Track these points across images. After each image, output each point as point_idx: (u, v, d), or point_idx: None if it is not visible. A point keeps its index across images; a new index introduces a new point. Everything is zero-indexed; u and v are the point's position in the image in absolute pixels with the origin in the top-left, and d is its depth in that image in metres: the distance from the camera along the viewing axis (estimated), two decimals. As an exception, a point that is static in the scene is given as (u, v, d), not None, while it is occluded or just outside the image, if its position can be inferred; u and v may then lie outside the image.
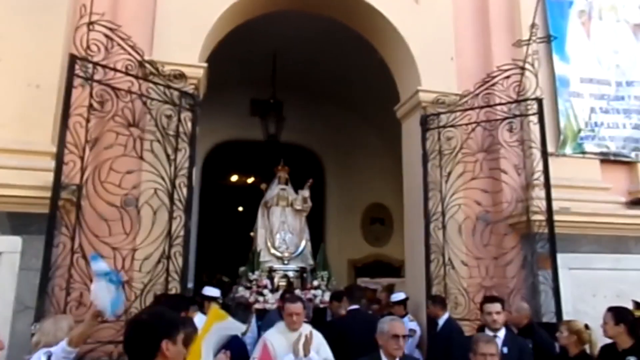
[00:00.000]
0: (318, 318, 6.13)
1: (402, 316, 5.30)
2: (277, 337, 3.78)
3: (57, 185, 3.89)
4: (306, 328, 3.79)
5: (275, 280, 6.80)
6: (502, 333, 3.84)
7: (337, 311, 5.30)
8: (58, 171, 3.91)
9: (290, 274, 6.95)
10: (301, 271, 7.05)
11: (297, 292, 6.41)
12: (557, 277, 4.85)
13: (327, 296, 6.52)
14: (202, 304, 4.94)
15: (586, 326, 3.82)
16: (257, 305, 6.22)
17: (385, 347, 3.14)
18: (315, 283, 6.85)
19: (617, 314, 3.56)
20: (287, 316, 3.81)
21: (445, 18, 5.98)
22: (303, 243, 7.36)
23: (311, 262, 7.28)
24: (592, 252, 5.30)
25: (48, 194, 3.89)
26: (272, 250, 7.15)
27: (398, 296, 5.67)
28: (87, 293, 3.98)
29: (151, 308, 3.15)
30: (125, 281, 4.29)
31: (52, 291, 3.89)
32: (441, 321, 4.82)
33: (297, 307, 3.81)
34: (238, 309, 5.04)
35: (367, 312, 5.30)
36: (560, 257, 4.91)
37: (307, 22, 7.12)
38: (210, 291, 5.26)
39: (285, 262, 7.04)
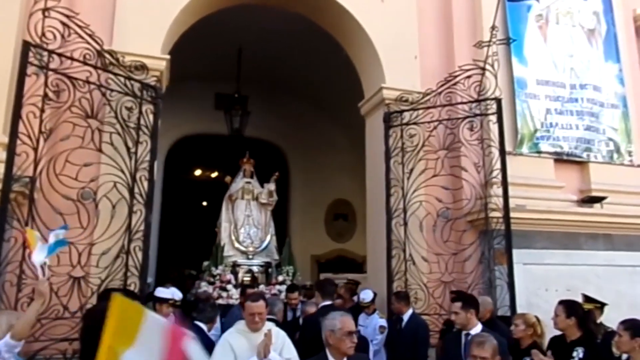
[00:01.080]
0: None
1: (372, 313, 5.35)
2: (237, 337, 3.39)
3: (9, 177, 3.74)
4: (267, 326, 3.41)
5: (240, 275, 6.64)
6: (475, 332, 3.58)
7: (306, 308, 4.98)
8: (9, 163, 3.75)
9: (255, 268, 6.79)
10: (266, 266, 6.91)
11: (262, 287, 6.33)
12: (512, 272, 5.02)
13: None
14: (153, 306, 4.31)
15: (537, 319, 3.98)
16: (220, 301, 6.05)
17: (337, 346, 2.78)
18: (281, 278, 6.72)
19: (569, 307, 3.70)
20: (248, 316, 3.39)
21: (409, 18, 6.07)
22: (268, 237, 7.20)
23: (276, 257, 7.15)
24: (545, 248, 5.52)
25: (-1, 186, 3.74)
26: (237, 245, 6.95)
27: (367, 296, 5.38)
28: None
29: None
30: (82, 277, 4.19)
31: (2, 287, 3.75)
32: (406, 317, 4.83)
33: (260, 305, 3.40)
34: (206, 305, 4.48)
35: (342, 309, 4.57)
36: (516, 253, 5.09)
37: (273, 17, 7.08)
38: (163, 292, 4.52)
39: (250, 256, 6.88)
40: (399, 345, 4.82)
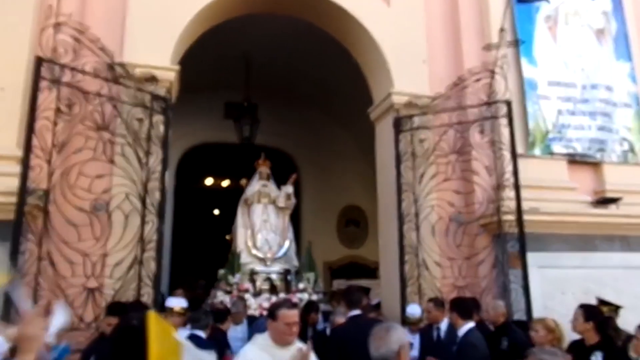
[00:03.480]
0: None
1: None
2: (259, 354, 2.87)
3: (23, 191, 3.79)
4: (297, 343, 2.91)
5: (258, 283, 6.26)
6: (462, 331, 3.79)
7: (335, 318, 4.56)
8: (24, 176, 3.81)
9: (274, 276, 6.36)
10: (285, 273, 6.47)
11: (282, 296, 6.03)
12: (526, 275, 4.95)
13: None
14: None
15: (554, 322, 3.93)
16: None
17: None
18: (301, 286, 6.34)
19: (588, 311, 3.67)
20: (284, 326, 2.86)
21: (416, 22, 6.06)
22: (287, 243, 6.78)
23: (296, 263, 6.78)
24: (560, 251, 5.44)
25: (13, 199, 3.79)
26: (254, 251, 6.53)
27: (415, 311, 4.92)
28: (55, 301, 3.92)
29: (138, 313, 3.06)
30: (96, 287, 4.22)
31: (18, 300, 3.77)
32: (443, 325, 4.37)
33: (296, 314, 2.96)
34: (199, 313, 4.27)
35: (373, 319, 4.24)
36: (530, 256, 5.03)
37: (280, 24, 7.13)
38: (174, 302, 4.47)
39: (268, 263, 6.45)
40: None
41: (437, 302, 4.64)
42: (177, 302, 4.45)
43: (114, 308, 3.68)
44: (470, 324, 3.83)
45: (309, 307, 5.50)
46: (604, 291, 4.86)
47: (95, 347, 3.21)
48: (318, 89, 9.62)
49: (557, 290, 5.29)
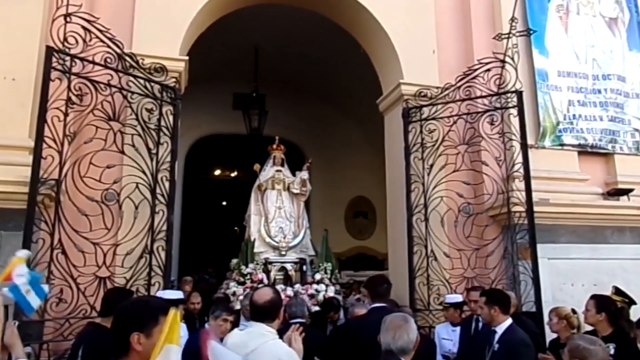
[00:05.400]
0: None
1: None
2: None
3: (35, 180, 3.82)
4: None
5: (272, 273, 5.95)
6: (500, 328, 3.34)
7: (355, 310, 4.28)
8: (36, 166, 3.84)
9: (288, 266, 6.02)
10: (300, 263, 6.14)
11: (297, 287, 5.79)
12: (537, 267, 4.92)
13: (331, 291, 5.86)
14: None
15: (573, 311, 3.91)
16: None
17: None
18: (318, 277, 6.01)
19: (600, 302, 3.64)
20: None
21: (426, 12, 6.01)
22: (302, 231, 6.43)
23: (311, 252, 6.44)
24: (570, 242, 5.42)
25: (26, 189, 3.82)
26: (268, 240, 6.20)
27: (456, 297, 4.66)
28: (68, 289, 3.97)
29: (137, 297, 3.01)
30: (107, 277, 4.27)
31: (31, 288, 3.82)
32: (500, 329, 3.38)
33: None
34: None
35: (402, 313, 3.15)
36: (540, 248, 5.00)
37: (289, 15, 7.09)
38: (171, 294, 4.13)
39: (283, 252, 6.10)
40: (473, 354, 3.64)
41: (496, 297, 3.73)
42: (170, 295, 4.12)
43: (116, 293, 3.44)
44: (509, 320, 3.39)
45: (328, 307, 5.26)
46: (615, 282, 4.82)
47: (85, 335, 3.12)
48: (327, 81, 9.59)
49: (566, 281, 5.29)
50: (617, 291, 4.45)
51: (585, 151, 5.91)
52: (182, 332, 2.36)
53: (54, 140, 3.99)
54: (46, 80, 3.98)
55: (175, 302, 3.92)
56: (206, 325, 3.87)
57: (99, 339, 2.78)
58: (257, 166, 6.68)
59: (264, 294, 2.67)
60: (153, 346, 1.68)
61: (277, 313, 2.67)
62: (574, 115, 5.89)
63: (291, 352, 2.52)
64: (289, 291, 5.63)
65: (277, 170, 6.62)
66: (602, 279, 5.17)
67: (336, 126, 10.58)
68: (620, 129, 6.03)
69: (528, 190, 5.05)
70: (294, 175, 6.72)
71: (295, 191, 6.58)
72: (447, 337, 4.41)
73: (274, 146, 6.83)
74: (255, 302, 2.64)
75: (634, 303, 4.48)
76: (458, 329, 4.39)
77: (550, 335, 4.42)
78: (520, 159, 5.16)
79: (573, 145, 5.86)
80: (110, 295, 3.30)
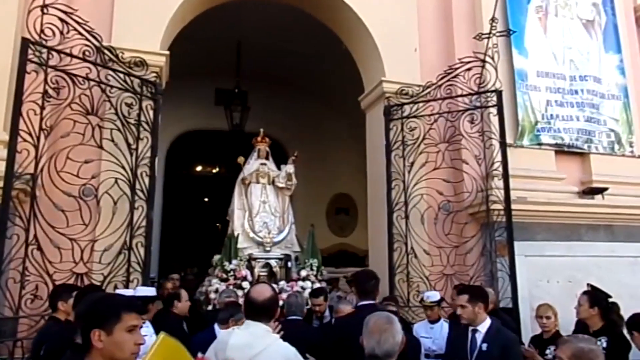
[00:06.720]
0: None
1: (437, 319, 4.49)
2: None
3: (10, 175, 3.74)
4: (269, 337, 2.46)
5: (256, 270, 5.74)
6: (483, 327, 3.18)
7: (340, 307, 4.16)
8: (11, 160, 3.76)
9: (273, 262, 5.84)
10: (285, 259, 5.95)
11: (282, 284, 5.61)
12: (514, 264, 5.01)
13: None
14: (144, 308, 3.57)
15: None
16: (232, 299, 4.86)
17: None
18: (304, 273, 5.81)
19: (593, 297, 3.77)
20: None
21: (408, 10, 6.05)
22: (287, 227, 6.26)
23: (297, 248, 6.26)
24: (547, 240, 5.52)
25: (0, 183, 3.74)
26: (252, 235, 5.99)
27: (434, 296, 4.61)
28: (43, 286, 3.91)
29: (101, 294, 2.87)
30: (85, 273, 4.21)
31: (5, 285, 3.75)
32: (483, 328, 3.19)
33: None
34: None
35: (392, 311, 3.10)
36: (517, 245, 5.09)
37: (272, 11, 7.07)
38: (144, 291, 4.03)
39: (267, 248, 5.92)
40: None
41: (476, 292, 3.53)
42: (143, 291, 4.00)
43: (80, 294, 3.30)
44: (489, 318, 3.23)
45: (314, 294, 5.01)
46: (589, 279, 4.91)
47: (46, 334, 3.04)
48: (309, 77, 9.58)
49: (542, 278, 5.39)
50: (593, 288, 4.55)
51: (562, 150, 6.01)
52: (145, 332, 2.16)
53: (30, 134, 3.91)
54: (22, 73, 3.89)
55: (147, 300, 3.88)
56: (215, 328, 3.66)
57: (59, 333, 2.73)
58: (241, 159, 6.49)
59: (263, 292, 2.51)
60: (115, 343, 1.64)
61: (275, 311, 2.54)
62: (551, 115, 5.99)
63: (297, 353, 2.40)
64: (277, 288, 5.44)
65: (262, 164, 6.44)
66: (577, 276, 5.28)
67: (320, 122, 10.57)
68: (596, 129, 6.16)
69: (506, 188, 5.12)
70: (279, 168, 6.55)
71: (281, 185, 6.39)
72: (426, 334, 4.35)
73: (259, 139, 6.64)
74: (254, 300, 2.46)
75: (609, 296, 4.60)
76: (436, 326, 4.42)
77: (526, 331, 4.53)
78: (499, 157, 5.24)
79: (550, 145, 5.96)
80: (83, 293, 3.22)
